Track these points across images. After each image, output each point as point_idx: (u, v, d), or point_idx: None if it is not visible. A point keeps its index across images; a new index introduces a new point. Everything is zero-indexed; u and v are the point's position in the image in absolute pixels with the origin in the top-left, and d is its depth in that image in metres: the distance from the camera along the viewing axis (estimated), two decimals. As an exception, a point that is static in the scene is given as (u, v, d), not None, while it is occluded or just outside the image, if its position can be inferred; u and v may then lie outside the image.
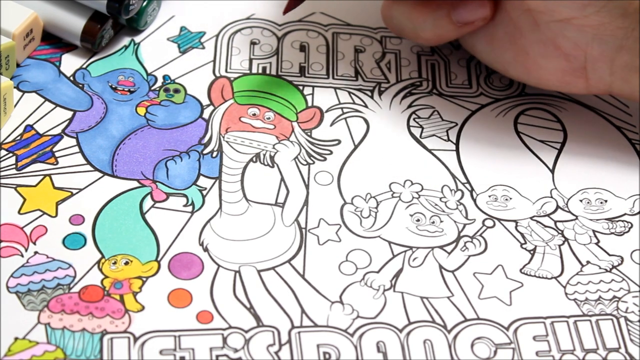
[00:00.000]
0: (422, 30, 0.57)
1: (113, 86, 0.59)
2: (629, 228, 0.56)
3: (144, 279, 0.52)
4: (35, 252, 0.52)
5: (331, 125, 0.59)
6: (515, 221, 0.56)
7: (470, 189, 0.57)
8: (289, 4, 0.56)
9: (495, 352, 0.51)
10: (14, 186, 0.54)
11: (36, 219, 0.53)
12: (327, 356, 0.50)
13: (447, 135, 0.59)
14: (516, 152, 0.58)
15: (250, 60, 0.61)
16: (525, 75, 0.58)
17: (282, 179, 0.56)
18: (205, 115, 0.58)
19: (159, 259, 0.53)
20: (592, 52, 0.55)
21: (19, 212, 0.54)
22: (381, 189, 0.56)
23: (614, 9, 0.53)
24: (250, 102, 0.59)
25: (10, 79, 0.58)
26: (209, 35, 0.62)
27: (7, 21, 0.58)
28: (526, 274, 0.54)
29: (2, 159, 0.55)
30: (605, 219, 0.56)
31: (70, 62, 0.60)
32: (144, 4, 0.60)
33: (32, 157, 0.56)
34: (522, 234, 0.55)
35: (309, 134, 0.58)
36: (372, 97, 0.60)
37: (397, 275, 0.53)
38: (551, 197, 0.57)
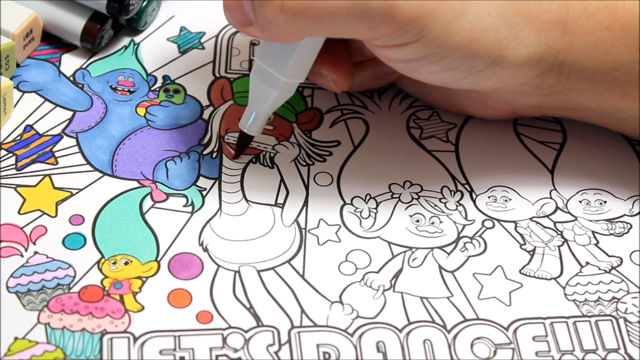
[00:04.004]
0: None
1: (113, 86, 0.59)
2: (629, 229, 0.56)
3: (144, 279, 0.52)
4: (35, 252, 0.52)
5: (331, 126, 0.59)
6: (515, 222, 0.56)
7: (469, 189, 0.57)
8: (236, 151, 0.56)
9: (494, 352, 0.51)
10: (14, 186, 0.54)
11: (36, 219, 0.53)
12: (326, 356, 0.50)
13: (447, 136, 0.59)
14: (515, 153, 0.58)
15: (250, 61, 0.61)
16: (458, 112, 0.59)
17: (282, 180, 0.56)
18: (205, 116, 0.58)
19: (158, 259, 0.53)
20: (516, 106, 0.56)
21: (18, 212, 0.54)
22: (381, 190, 0.56)
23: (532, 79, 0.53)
24: (250, 103, 0.59)
25: (10, 79, 0.58)
26: (209, 35, 0.62)
27: (7, 21, 0.58)
28: (525, 275, 0.54)
29: (2, 159, 0.55)
30: (605, 220, 0.56)
31: (70, 62, 0.60)
32: (144, 4, 0.60)
33: (32, 157, 0.56)
34: (521, 235, 0.55)
35: (308, 135, 0.58)
36: (371, 98, 0.60)
37: (396, 275, 0.53)
38: (550, 198, 0.57)
